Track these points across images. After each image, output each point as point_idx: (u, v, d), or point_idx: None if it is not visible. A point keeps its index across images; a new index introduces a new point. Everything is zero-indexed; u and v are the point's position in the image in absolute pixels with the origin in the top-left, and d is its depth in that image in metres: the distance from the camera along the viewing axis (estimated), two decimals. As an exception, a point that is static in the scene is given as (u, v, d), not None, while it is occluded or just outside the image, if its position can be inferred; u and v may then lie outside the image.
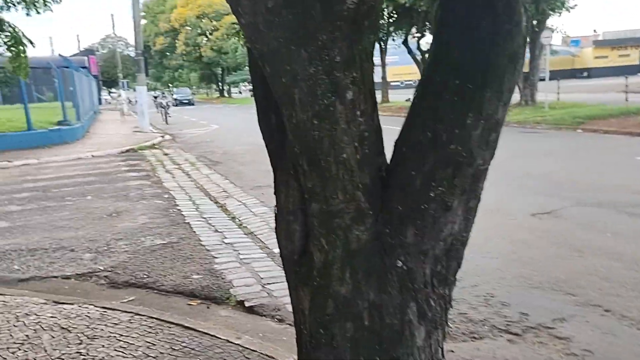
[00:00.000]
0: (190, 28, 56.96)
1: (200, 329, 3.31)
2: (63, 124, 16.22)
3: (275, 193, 1.84)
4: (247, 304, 3.92)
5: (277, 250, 5.17)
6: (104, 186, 8.99)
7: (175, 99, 47.12)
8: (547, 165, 9.33)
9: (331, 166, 1.50)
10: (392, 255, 1.56)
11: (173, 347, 3.05)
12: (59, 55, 19.79)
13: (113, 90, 38.91)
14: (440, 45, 1.54)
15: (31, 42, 4.99)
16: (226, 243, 5.48)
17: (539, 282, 4.10)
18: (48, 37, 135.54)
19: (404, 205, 1.53)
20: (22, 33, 4.89)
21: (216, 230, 5.99)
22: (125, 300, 4.07)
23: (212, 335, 3.21)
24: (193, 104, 47.74)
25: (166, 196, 8.05)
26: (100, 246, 5.50)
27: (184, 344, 3.09)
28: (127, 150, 14.53)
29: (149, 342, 3.13)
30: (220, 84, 69.48)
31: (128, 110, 27.25)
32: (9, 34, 4.56)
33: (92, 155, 13.48)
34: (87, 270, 4.78)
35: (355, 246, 1.56)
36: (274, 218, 1.84)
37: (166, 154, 13.51)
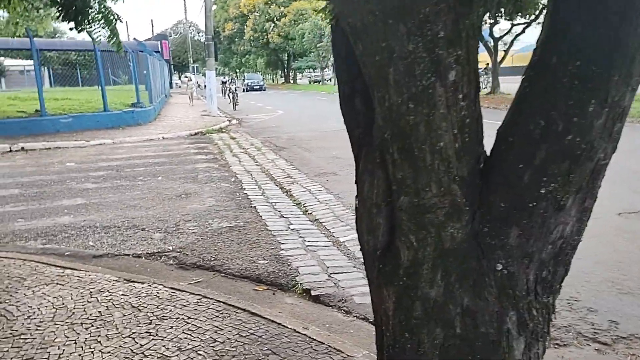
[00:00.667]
0: (258, 14, 57.65)
1: (267, 316, 3.26)
2: (136, 106, 16.82)
3: (357, 183, 1.71)
4: (313, 293, 3.85)
5: (342, 239, 5.08)
6: (173, 168, 9.22)
7: (247, 85, 47.40)
8: (636, 160, 8.66)
9: (426, 155, 1.35)
10: (491, 257, 1.39)
11: (240, 334, 3.02)
12: (134, 39, 20.48)
13: (187, 74, 39.79)
14: (556, 22, 1.34)
15: (119, 18, 5.04)
16: (292, 229, 5.43)
17: (629, 288, 3.77)
18: (124, 23, 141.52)
19: (508, 202, 1.36)
20: (110, 10, 4.95)
21: (282, 216, 5.96)
22: (193, 282, 4.10)
23: (278, 324, 3.15)
24: (264, 90, 47.94)
25: (233, 180, 8.13)
26: (170, 226, 5.60)
27: (250, 331, 3.05)
28: (196, 134, 14.88)
29: (217, 327, 3.11)
30: (285, 70, 70.04)
31: (197, 95, 27.96)
32: (95, 9, 4.63)
33: (163, 137, 13.90)
34: (157, 250, 4.87)
35: (449, 245, 1.41)
36: (355, 209, 1.71)
37: (233, 138, 13.70)
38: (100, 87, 15.61)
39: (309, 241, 5.02)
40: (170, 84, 47.40)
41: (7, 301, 3.53)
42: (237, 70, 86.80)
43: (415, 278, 1.45)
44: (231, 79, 26.80)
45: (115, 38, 5.14)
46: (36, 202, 6.81)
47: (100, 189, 7.58)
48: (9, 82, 41.03)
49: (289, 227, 5.49)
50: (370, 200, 1.59)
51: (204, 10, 20.83)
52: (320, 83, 60.53)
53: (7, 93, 24.92)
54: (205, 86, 25.39)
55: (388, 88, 1.32)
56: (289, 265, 4.40)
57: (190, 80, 27.71)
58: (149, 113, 17.37)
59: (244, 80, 45.43)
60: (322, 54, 53.08)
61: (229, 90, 26.04)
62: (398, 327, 1.51)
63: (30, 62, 41.34)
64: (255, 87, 47.38)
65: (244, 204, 6.56)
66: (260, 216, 5.94)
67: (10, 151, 11.65)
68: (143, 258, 4.71)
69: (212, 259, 4.60)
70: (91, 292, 3.69)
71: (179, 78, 67.82)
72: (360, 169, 1.65)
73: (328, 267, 4.34)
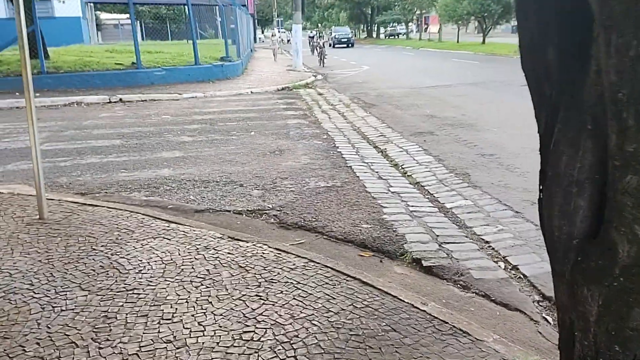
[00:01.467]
0: (343, -35, 56.14)
1: (379, 287, 3.05)
2: (225, 60, 16.94)
3: (542, 153, 1.39)
4: (424, 264, 3.59)
5: (449, 205, 4.75)
6: (264, 123, 9.15)
7: (334, 38, 43.61)
8: None
9: (677, 123, 1.01)
10: None
11: (354, 305, 2.83)
12: (224, -8, 20.48)
13: (272, 29, 38.93)
14: None
15: None
16: (392, 192, 5.16)
17: None
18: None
19: None
20: None
21: (380, 177, 5.69)
22: (295, 243, 3.97)
23: (393, 296, 2.93)
24: (352, 45, 45.29)
25: (325, 137, 7.93)
26: (267, 183, 5.51)
27: (365, 302, 2.86)
28: (283, 89, 14.79)
29: (328, 295, 2.95)
30: (369, 24, 68.28)
31: (280, 49, 27.69)
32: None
33: (251, 92, 13.93)
34: (257, 207, 4.79)
35: (691, 241, 1.08)
36: (540, 185, 1.41)
37: (320, 94, 13.47)
38: (192, 41, 15.81)
39: (412, 206, 4.74)
40: (255, 38, 47.60)
41: (118, 253, 3.57)
42: (320, 25, 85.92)
43: (637, 280, 1.14)
44: (319, 33, 26.06)
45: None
46: (137, 154, 6.97)
47: (196, 142, 7.65)
48: (104, 36, 42.98)
49: (389, 190, 5.23)
50: (569, 176, 1.27)
51: (291, -38, 20.38)
52: (398, 37, 58.47)
53: (103, 46, 26.05)
54: (289, 41, 25.14)
55: (638, 30, 0.98)
56: (394, 231, 4.15)
57: (274, 35, 27.31)
58: (236, 67, 17.47)
59: (330, 33, 42.88)
60: (407, 6, 51.05)
61: (317, 45, 25.41)
62: (604, 337, 1.21)
63: (124, 16, 42.97)
64: (342, 41, 44.22)
65: (339, 162, 6.35)
66: (357, 176, 5.71)
67: (110, 102, 12.12)
68: (244, 215, 4.65)
69: (313, 219, 4.44)
70: (197, 248, 3.65)
71: (262, 33, 68.07)
72: (554, 137, 1.33)
73: (437, 235, 4.05)
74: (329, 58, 26.37)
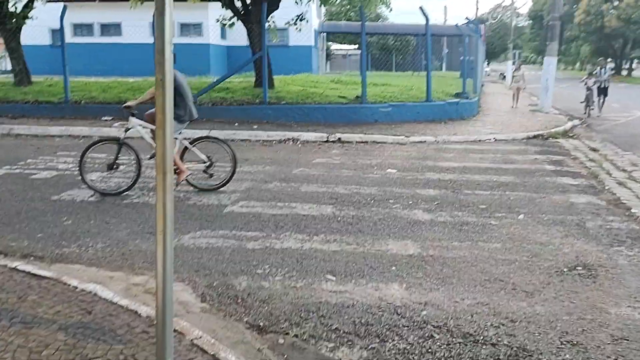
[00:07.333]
0: (596, -6, 49.25)
1: None
2: (461, 97, 14.30)
3: None
4: None
5: None
6: (533, 197, 6.20)
7: None
8: None
9: None
10: None
11: None
12: (466, 19, 17.95)
13: (513, 63, 30.60)
14: None
15: None
16: None
17: None
18: (443, 6, 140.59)
19: None
20: None
21: None
22: None
23: None
24: None
25: (656, 242, 4.68)
26: (601, 373, 2.66)
27: None
28: (535, 136, 11.54)
29: None
30: (617, 59, 58.89)
31: (524, 85, 21.76)
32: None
33: (495, 139, 11.01)
34: None
35: None
36: None
37: (594, 150, 9.87)
38: (416, 73, 13.59)
39: None
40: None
41: None
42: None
43: None
44: (601, 69, 17.04)
45: None
46: (352, 238, 4.71)
47: (436, 224, 5.11)
48: (332, 65, 44.05)
49: None
50: None
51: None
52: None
53: (330, 75, 25.59)
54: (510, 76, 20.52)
55: None
56: None
57: (518, 69, 21.81)
58: (473, 106, 14.69)
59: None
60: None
61: (600, 87, 16.91)
62: None
63: (352, 47, 43.54)
64: None
65: None
66: None
67: (327, 141, 10.41)
68: None
69: None
70: None
71: (487, 65, 63.59)
72: None
73: None
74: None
